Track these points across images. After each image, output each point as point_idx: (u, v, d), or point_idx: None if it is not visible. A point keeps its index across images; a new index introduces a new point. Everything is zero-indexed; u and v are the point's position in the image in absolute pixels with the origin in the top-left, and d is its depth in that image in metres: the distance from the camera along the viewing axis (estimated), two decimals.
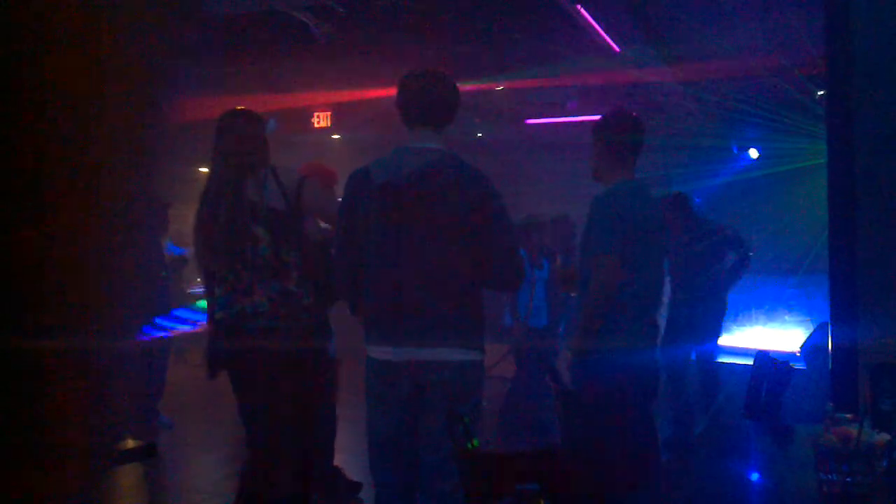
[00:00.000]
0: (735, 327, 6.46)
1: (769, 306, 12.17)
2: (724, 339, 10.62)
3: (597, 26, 8.08)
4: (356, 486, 5.22)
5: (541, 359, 6.91)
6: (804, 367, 7.13)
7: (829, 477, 1.90)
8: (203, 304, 3.74)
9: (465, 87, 3.35)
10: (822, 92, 8.87)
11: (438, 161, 3.00)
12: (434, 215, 2.95)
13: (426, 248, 2.95)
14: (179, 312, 7.41)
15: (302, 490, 3.62)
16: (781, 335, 11.10)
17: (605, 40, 8.44)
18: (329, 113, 12.26)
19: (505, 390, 6.95)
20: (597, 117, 3.94)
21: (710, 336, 6.47)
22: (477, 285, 3.04)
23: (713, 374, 6.48)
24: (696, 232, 6.51)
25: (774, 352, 6.81)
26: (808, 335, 7.99)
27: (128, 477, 5.50)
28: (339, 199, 3.57)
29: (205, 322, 3.69)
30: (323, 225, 3.70)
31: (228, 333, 3.48)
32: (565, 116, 11.43)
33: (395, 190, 2.98)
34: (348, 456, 5.71)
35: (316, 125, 12.29)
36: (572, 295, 4.20)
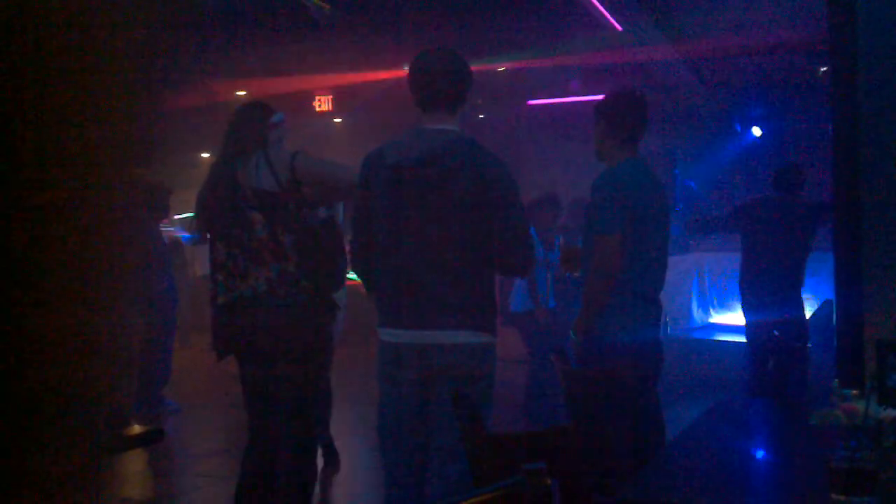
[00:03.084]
0: (738, 305, 6.41)
1: None
2: (728, 317, 10.56)
3: (598, 5, 8.04)
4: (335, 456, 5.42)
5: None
6: (809, 345, 7.12)
7: (836, 453, 1.90)
8: None
9: None
10: (825, 68, 8.83)
11: (452, 143, 2.97)
12: (445, 197, 2.92)
13: (437, 230, 2.93)
14: None
15: (304, 469, 3.63)
16: None
17: (607, 19, 8.40)
18: (331, 97, 12.24)
19: (522, 372, 6.91)
20: (600, 97, 3.92)
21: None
22: (488, 268, 3.03)
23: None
24: (797, 206, 6.00)
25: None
26: (812, 312, 7.98)
27: (134, 462, 5.53)
28: (339, 164, 3.59)
29: None
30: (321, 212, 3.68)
31: (231, 317, 3.50)
32: (568, 96, 11.40)
33: (407, 170, 2.96)
34: (355, 437, 5.74)
35: (317, 109, 12.28)
36: (576, 276, 4.19)
